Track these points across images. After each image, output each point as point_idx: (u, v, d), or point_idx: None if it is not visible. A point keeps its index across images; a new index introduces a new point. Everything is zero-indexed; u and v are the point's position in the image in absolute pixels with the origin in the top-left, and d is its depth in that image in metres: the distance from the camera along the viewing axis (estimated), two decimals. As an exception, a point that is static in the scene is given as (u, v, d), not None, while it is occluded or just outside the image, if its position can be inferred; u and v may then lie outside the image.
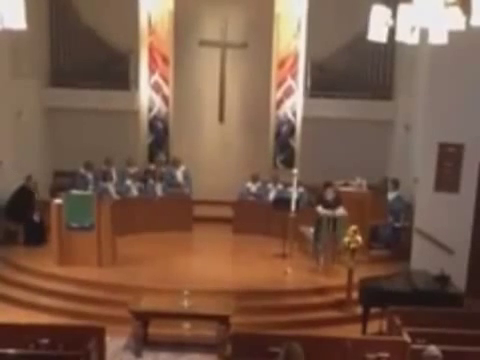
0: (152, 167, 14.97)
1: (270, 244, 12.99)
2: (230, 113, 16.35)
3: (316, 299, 10.94)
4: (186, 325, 9.89)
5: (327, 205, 11.94)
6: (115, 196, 13.72)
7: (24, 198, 13.21)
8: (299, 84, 15.49)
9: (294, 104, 15.64)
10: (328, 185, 12.23)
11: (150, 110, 15.74)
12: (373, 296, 9.71)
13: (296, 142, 15.78)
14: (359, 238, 10.62)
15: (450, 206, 11.29)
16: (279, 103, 15.73)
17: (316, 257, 12.04)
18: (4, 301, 10.79)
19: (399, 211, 13.21)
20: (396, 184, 13.44)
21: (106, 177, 13.99)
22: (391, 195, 13.40)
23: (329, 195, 12.05)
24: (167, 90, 15.79)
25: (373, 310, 9.81)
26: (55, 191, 13.77)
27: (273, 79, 15.69)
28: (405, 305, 8.89)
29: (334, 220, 11.79)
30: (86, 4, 15.30)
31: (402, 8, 6.34)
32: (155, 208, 13.91)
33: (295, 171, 12.45)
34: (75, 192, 11.90)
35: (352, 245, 10.58)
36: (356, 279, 10.48)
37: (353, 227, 10.70)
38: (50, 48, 15.58)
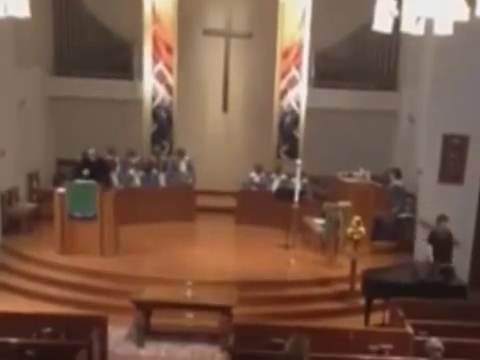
0: (154, 158, 14.90)
1: (273, 235, 12.93)
2: (234, 103, 16.29)
3: (319, 290, 10.95)
4: (189, 315, 9.87)
5: (439, 246, 9.96)
6: (118, 186, 13.69)
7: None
8: (303, 74, 15.36)
9: (298, 94, 15.50)
10: (443, 219, 9.96)
11: (154, 99, 15.60)
12: (376, 287, 9.70)
13: (300, 133, 15.67)
14: (362, 229, 10.63)
15: (454, 198, 11.25)
16: (283, 93, 15.61)
17: (323, 248, 12.04)
18: (6, 290, 10.80)
19: (398, 199, 13.13)
20: (398, 173, 13.40)
21: (111, 166, 13.92)
22: (392, 184, 13.35)
23: (442, 233, 9.98)
24: (171, 79, 15.67)
25: (376, 301, 9.79)
26: (58, 180, 13.75)
27: (277, 69, 15.55)
28: (408, 297, 8.87)
29: (339, 211, 11.77)
30: (90, -7, 15.28)
31: (407, -2, 6.32)
32: (158, 198, 13.83)
33: (299, 162, 12.41)
34: (78, 181, 11.86)
35: (355, 236, 10.58)
36: (359, 270, 10.47)
37: (356, 218, 10.69)
38: (54, 37, 15.60)
